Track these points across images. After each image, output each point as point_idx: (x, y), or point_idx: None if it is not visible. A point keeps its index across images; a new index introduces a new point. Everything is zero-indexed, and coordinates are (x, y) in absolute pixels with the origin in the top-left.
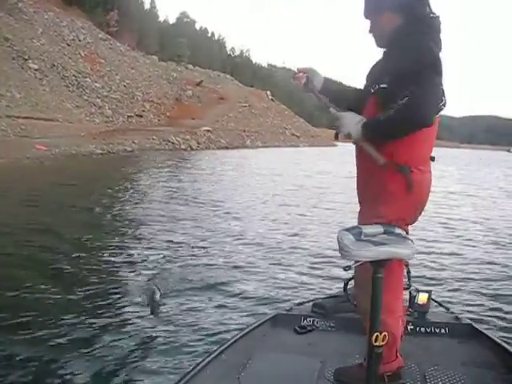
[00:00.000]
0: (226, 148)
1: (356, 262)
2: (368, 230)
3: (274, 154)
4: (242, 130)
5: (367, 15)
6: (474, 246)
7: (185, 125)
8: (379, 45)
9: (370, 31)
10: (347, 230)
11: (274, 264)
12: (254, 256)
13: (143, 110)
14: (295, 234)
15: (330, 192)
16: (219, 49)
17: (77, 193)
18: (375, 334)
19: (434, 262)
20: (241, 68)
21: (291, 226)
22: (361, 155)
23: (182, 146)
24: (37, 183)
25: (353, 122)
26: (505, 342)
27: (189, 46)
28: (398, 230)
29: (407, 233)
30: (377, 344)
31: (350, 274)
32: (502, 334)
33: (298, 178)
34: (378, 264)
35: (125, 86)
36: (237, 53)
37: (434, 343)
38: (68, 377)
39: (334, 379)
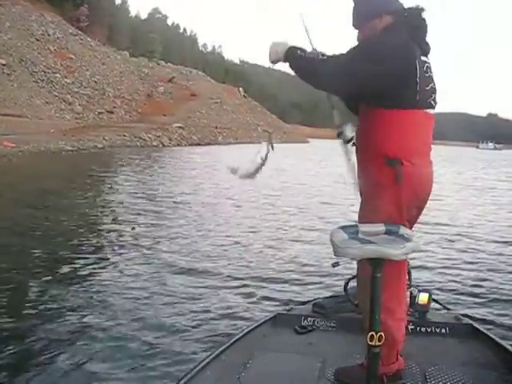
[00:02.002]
0: (198, 144)
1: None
2: (366, 228)
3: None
4: (214, 126)
5: (364, 18)
6: (473, 246)
7: (156, 121)
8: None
9: (359, 28)
10: (342, 227)
11: (274, 264)
12: (252, 256)
13: (114, 107)
14: (294, 234)
15: (326, 189)
16: (191, 45)
17: (41, 191)
18: (370, 334)
19: (434, 261)
20: (213, 64)
21: (289, 225)
22: (357, 149)
23: (154, 143)
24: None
25: (279, 45)
26: (505, 341)
27: (161, 41)
28: (402, 230)
29: None
30: (372, 344)
31: (350, 273)
32: (502, 333)
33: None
34: (376, 263)
35: (95, 82)
36: (209, 49)
37: (434, 343)
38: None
39: (335, 379)
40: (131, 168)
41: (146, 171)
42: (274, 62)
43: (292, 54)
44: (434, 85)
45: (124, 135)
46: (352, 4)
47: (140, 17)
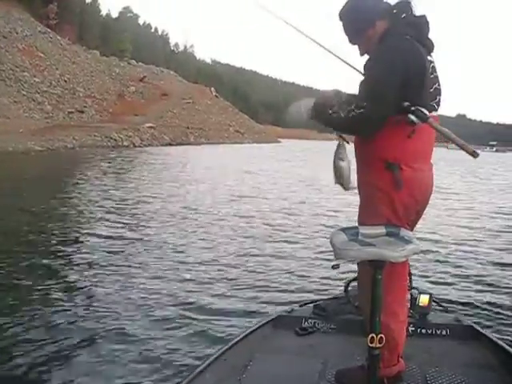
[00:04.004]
0: (170, 145)
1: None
2: (367, 230)
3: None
4: (186, 126)
5: (357, 31)
6: (475, 247)
7: (127, 121)
8: (365, 53)
9: (357, 43)
10: (342, 229)
11: (275, 266)
12: (252, 259)
13: (85, 106)
14: (294, 236)
15: (325, 190)
16: (163, 44)
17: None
18: (371, 336)
19: (435, 263)
20: (184, 64)
21: (289, 227)
22: (356, 151)
23: (125, 143)
24: None
25: (301, 105)
26: (506, 343)
27: (132, 41)
28: (402, 232)
29: None
30: (372, 345)
31: (351, 275)
32: (503, 335)
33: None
34: (376, 265)
35: (65, 81)
36: (180, 48)
37: (435, 345)
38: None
39: (336, 381)
40: (103, 171)
41: (112, 175)
42: (300, 122)
43: (318, 116)
44: (439, 85)
45: (95, 135)
46: (340, 22)
47: (111, 15)
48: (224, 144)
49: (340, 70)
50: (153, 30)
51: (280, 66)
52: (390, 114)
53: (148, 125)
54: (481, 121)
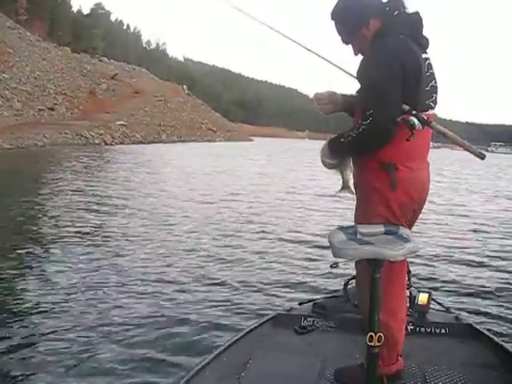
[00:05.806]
0: (141, 143)
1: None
2: (365, 229)
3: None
4: (158, 124)
5: (351, 31)
6: (474, 246)
7: (99, 119)
8: (359, 53)
9: (350, 43)
10: (340, 228)
11: (274, 265)
12: (251, 257)
13: (55, 103)
14: (294, 234)
15: (324, 191)
16: (135, 41)
17: None
18: (369, 334)
19: (434, 262)
20: (157, 62)
21: (290, 226)
22: None
23: (96, 141)
24: None
25: (323, 148)
26: (505, 342)
27: (103, 37)
28: (401, 231)
29: None
30: (371, 344)
31: (350, 273)
32: (502, 334)
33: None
34: (375, 264)
35: (35, 78)
36: (153, 46)
37: (434, 343)
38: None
39: (335, 379)
40: (74, 169)
41: (82, 174)
42: (332, 165)
43: (336, 151)
44: (435, 82)
45: (65, 133)
46: (333, 22)
47: (82, 12)
48: (196, 142)
49: (318, 68)
50: (125, 27)
51: (253, 64)
52: (398, 115)
53: (119, 122)
54: (451, 120)
